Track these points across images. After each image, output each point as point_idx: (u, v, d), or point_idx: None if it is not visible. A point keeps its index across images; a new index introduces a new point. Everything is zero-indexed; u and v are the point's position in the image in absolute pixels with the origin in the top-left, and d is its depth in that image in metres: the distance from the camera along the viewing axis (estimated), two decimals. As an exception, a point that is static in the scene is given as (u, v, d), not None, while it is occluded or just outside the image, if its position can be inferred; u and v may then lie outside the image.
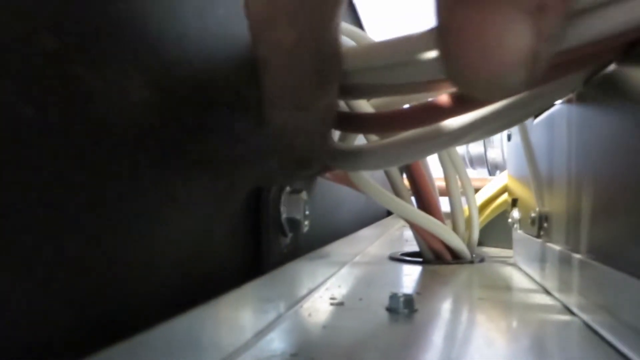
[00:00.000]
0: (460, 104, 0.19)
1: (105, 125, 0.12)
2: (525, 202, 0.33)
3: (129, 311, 0.12)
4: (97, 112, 0.11)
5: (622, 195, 0.16)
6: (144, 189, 0.13)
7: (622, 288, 0.16)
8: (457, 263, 0.37)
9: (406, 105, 0.27)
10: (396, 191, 0.37)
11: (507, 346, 0.18)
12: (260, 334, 0.18)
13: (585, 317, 0.20)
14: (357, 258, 0.40)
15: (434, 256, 0.38)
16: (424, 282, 0.31)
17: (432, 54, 0.16)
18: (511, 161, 0.38)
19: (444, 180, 0.39)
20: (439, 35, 0.13)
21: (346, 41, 0.30)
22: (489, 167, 0.88)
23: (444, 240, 0.37)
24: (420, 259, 0.38)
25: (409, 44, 0.17)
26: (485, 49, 0.12)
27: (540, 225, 0.28)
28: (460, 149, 0.82)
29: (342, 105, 0.28)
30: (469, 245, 0.40)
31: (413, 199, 0.38)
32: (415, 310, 0.22)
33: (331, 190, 0.38)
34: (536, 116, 0.28)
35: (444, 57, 0.13)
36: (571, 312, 0.22)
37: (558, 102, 0.24)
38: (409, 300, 0.22)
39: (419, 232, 0.37)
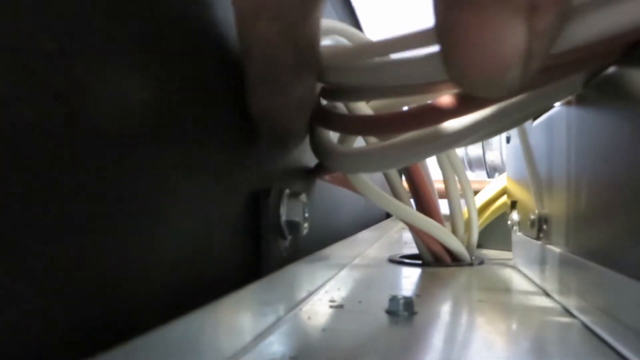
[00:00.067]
0: (459, 106, 0.19)
1: (105, 126, 0.12)
2: (525, 204, 0.33)
3: (127, 313, 0.12)
4: (96, 112, 0.11)
5: (622, 197, 0.16)
6: (143, 190, 0.13)
7: (622, 290, 0.16)
8: (456, 265, 0.37)
9: (405, 108, 0.27)
10: (395, 193, 0.37)
11: (507, 348, 0.18)
12: (260, 337, 0.18)
13: (585, 319, 0.20)
14: (357, 260, 0.40)
15: (433, 258, 0.38)
16: (423, 285, 0.31)
17: (428, 53, 0.16)
18: (510, 163, 0.38)
19: (443, 182, 0.39)
20: (438, 38, 0.13)
21: (342, 41, 0.31)
22: (488, 169, 0.88)
23: (443, 243, 0.37)
24: (419, 262, 0.38)
25: (405, 43, 0.17)
26: (482, 49, 0.12)
27: (539, 227, 0.28)
28: (459, 152, 0.82)
29: (342, 107, 0.28)
30: (468, 247, 0.39)
31: (412, 201, 0.38)
32: (415, 313, 0.22)
33: (330, 193, 0.38)
34: (535, 118, 0.28)
35: (443, 58, 0.13)
36: (571, 314, 0.22)
37: (557, 104, 0.24)
38: (408, 303, 0.22)
39: (418, 235, 0.37)
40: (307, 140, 0.27)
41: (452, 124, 0.21)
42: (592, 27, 0.14)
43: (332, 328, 0.20)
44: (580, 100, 0.21)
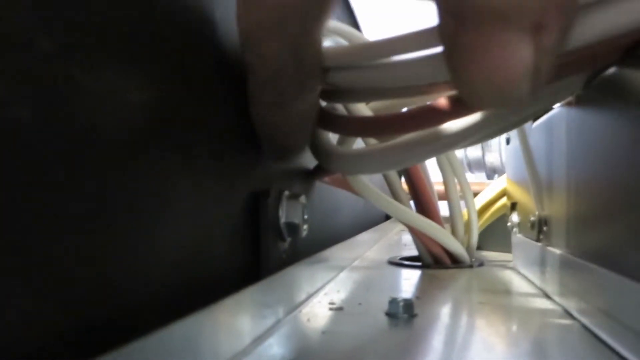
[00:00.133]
0: (459, 108, 0.19)
1: (104, 126, 0.12)
2: (525, 206, 0.33)
3: (126, 315, 0.12)
4: (96, 112, 0.11)
5: (622, 199, 0.16)
6: (143, 191, 0.13)
7: (623, 291, 0.16)
8: (456, 267, 0.37)
9: (405, 109, 0.27)
10: (395, 195, 0.37)
11: (507, 350, 0.18)
12: (259, 339, 0.18)
13: (585, 320, 0.20)
14: (356, 262, 0.40)
15: (433, 260, 0.38)
16: (423, 287, 0.31)
17: (428, 54, 0.16)
18: (510, 165, 0.38)
19: (443, 184, 0.39)
20: (447, 59, 0.14)
21: (341, 42, 0.30)
22: (487, 171, 0.88)
23: (443, 244, 0.37)
24: (419, 263, 0.38)
25: (405, 44, 0.17)
26: (490, 68, 0.13)
27: (539, 228, 0.28)
28: (459, 153, 0.82)
29: (341, 108, 0.28)
30: (468, 249, 0.39)
31: (412, 202, 0.38)
32: (415, 315, 0.22)
33: (330, 195, 0.38)
34: (535, 119, 0.28)
35: (453, 77, 0.14)
36: (571, 316, 0.22)
37: (557, 105, 0.24)
38: (408, 305, 0.22)
39: (418, 236, 0.37)
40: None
41: (452, 126, 0.20)
42: (592, 28, 0.14)
43: (331, 330, 0.20)
44: (580, 102, 0.21)
